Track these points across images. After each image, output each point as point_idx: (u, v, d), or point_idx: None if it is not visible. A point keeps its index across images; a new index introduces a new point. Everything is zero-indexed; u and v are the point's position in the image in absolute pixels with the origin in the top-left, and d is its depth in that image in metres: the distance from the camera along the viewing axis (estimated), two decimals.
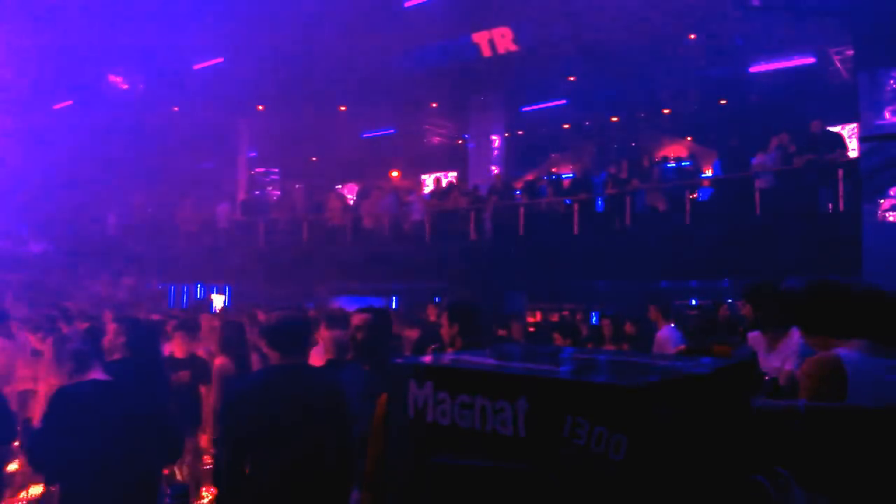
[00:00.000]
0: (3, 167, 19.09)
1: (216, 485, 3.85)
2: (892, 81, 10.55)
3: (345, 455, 3.73)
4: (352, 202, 19.93)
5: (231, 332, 6.57)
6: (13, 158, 19.64)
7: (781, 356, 4.35)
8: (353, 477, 3.76)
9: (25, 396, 6.71)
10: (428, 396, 2.17)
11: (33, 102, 21.24)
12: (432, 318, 11.62)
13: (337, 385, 3.94)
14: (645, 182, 14.43)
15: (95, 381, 4.16)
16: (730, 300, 17.65)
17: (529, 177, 20.73)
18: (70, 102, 22.64)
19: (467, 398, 2.08)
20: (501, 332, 9.17)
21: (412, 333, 8.48)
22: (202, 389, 6.78)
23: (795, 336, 4.30)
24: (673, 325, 8.19)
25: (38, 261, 19.18)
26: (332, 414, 3.73)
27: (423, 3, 16.75)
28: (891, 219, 10.46)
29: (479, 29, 17.37)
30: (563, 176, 18.66)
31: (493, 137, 21.64)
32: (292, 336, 3.88)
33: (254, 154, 26.72)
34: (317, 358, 5.35)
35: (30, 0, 16.54)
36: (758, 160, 12.94)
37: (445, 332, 4.58)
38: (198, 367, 6.85)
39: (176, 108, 22.95)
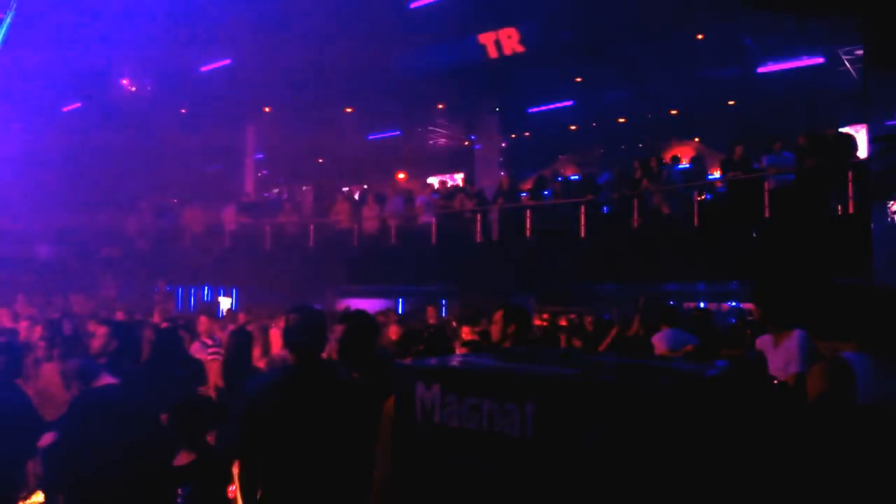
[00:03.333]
0: (12, 169, 19.15)
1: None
2: None
3: (362, 454, 3.73)
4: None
5: (237, 339, 6.57)
6: (21, 160, 19.69)
7: (784, 356, 4.35)
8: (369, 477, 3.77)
9: None
10: (436, 398, 2.16)
11: (42, 104, 21.29)
12: (431, 320, 11.68)
13: (352, 385, 3.93)
14: (653, 184, 14.39)
15: (106, 386, 4.20)
16: (735, 302, 17.69)
17: (536, 178, 20.70)
18: (78, 105, 22.71)
19: (475, 400, 2.07)
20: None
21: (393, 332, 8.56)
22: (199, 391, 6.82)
23: (796, 335, 4.31)
24: (669, 327, 8.16)
25: (46, 263, 19.23)
26: (348, 414, 3.71)
27: (429, 4, 16.73)
28: None
29: (485, 30, 17.34)
30: (570, 178, 18.63)
31: (500, 139, 21.63)
32: (307, 336, 3.86)
33: (260, 156, 26.76)
34: None
35: (37, 3, 16.58)
36: (764, 162, 12.92)
37: (498, 330, 4.73)
38: (195, 368, 6.90)
39: (183, 111, 23.00)
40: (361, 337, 4.57)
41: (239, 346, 6.45)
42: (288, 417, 3.65)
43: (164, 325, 8.84)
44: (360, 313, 4.84)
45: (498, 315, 4.84)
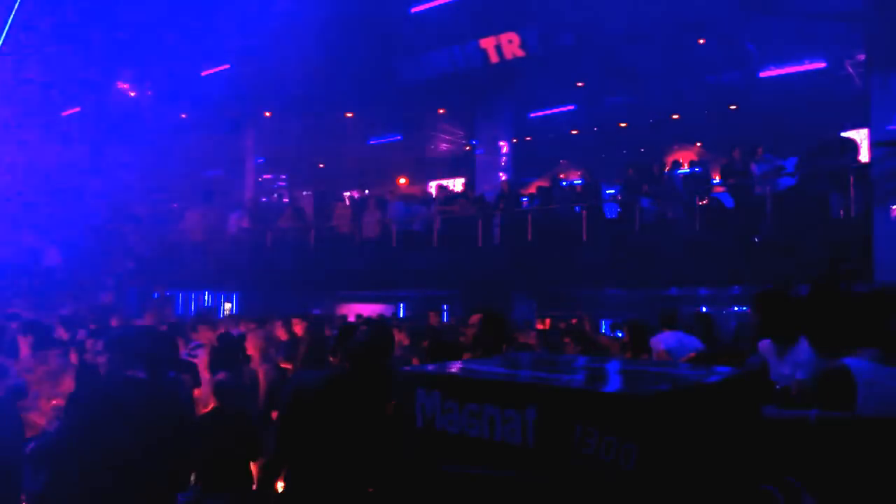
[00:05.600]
0: (11, 174, 19.15)
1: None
2: None
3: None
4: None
5: (225, 342, 6.57)
6: (21, 165, 19.69)
7: (791, 364, 4.31)
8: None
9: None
10: (436, 405, 2.14)
11: (41, 109, 21.29)
12: (433, 323, 11.70)
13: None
14: (655, 188, 14.38)
15: (129, 378, 4.17)
16: (737, 307, 17.65)
17: (538, 183, 20.69)
18: (78, 109, 22.70)
19: (476, 407, 2.05)
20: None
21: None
22: (195, 393, 6.83)
23: (805, 344, 4.27)
24: (669, 330, 8.15)
25: (46, 269, 19.22)
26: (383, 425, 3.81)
27: (430, 8, 16.75)
28: None
29: (486, 34, 17.33)
30: (573, 182, 18.62)
31: (501, 143, 21.60)
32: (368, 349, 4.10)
33: (261, 160, 26.77)
34: None
35: (38, 8, 16.60)
36: (754, 168, 12.93)
37: (473, 335, 4.60)
38: (193, 372, 6.92)
39: (183, 115, 23.00)
40: (381, 345, 4.62)
41: (227, 350, 6.46)
42: (328, 417, 3.83)
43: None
44: (380, 322, 4.92)
45: (475, 319, 4.69)
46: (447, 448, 2.14)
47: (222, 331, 8.52)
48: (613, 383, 2.21)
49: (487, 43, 17.40)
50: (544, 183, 18.16)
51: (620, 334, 10.23)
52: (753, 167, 12.90)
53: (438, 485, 2.15)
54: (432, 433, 2.17)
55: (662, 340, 7.83)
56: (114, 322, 10.79)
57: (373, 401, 3.89)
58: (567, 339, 8.48)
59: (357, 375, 4.01)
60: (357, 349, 4.07)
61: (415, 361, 5.75)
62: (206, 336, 8.41)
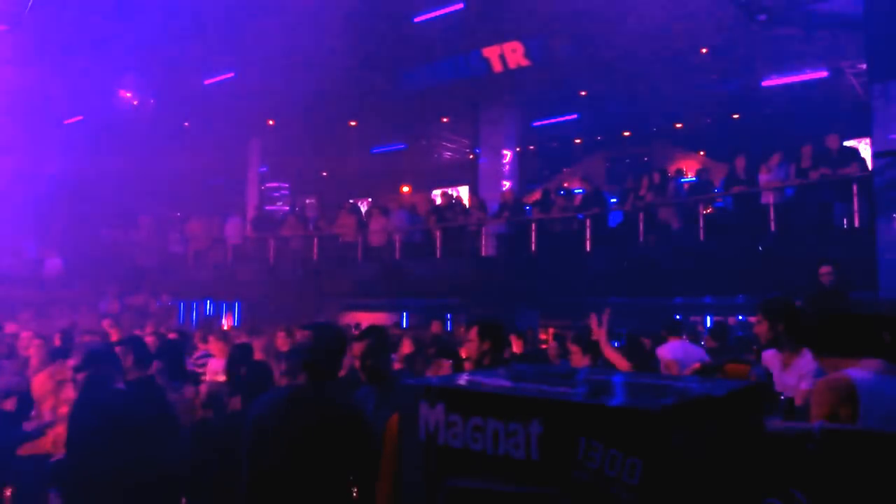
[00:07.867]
0: (13, 182, 19.13)
1: None
2: None
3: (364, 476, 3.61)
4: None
5: (235, 353, 6.55)
6: (23, 173, 19.67)
7: (796, 374, 4.29)
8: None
9: None
10: (439, 418, 2.12)
11: (43, 117, 21.29)
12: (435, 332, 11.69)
13: (348, 415, 3.76)
14: (659, 197, 14.36)
15: (117, 390, 4.18)
16: (741, 316, 17.61)
17: (541, 191, 20.70)
18: (80, 118, 22.69)
19: (480, 420, 2.04)
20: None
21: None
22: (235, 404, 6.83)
23: (810, 354, 4.25)
24: (678, 339, 8.16)
25: (50, 278, 19.19)
26: (334, 445, 3.57)
27: (434, 18, 16.77)
28: None
29: (489, 44, 17.38)
30: (575, 191, 18.61)
31: (505, 152, 21.62)
32: (315, 357, 3.73)
33: (264, 169, 26.80)
34: None
35: (40, 14, 16.62)
36: (763, 176, 12.91)
37: (474, 348, 4.46)
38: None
39: (186, 124, 23.02)
40: (383, 353, 4.54)
41: (237, 358, 6.43)
42: (276, 441, 3.56)
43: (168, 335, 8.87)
44: (380, 328, 4.78)
45: (473, 332, 4.56)
46: (450, 463, 2.12)
47: (236, 342, 8.50)
48: (618, 396, 2.20)
49: (491, 52, 17.44)
50: (548, 192, 18.12)
51: (616, 344, 10.21)
52: (763, 175, 12.88)
53: (442, 501, 2.14)
54: (435, 447, 2.16)
55: (670, 350, 7.82)
56: (114, 332, 10.77)
57: (334, 415, 3.64)
58: (574, 348, 8.49)
59: (314, 389, 3.68)
60: (306, 358, 3.71)
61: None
62: (215, 346, 8.37)
